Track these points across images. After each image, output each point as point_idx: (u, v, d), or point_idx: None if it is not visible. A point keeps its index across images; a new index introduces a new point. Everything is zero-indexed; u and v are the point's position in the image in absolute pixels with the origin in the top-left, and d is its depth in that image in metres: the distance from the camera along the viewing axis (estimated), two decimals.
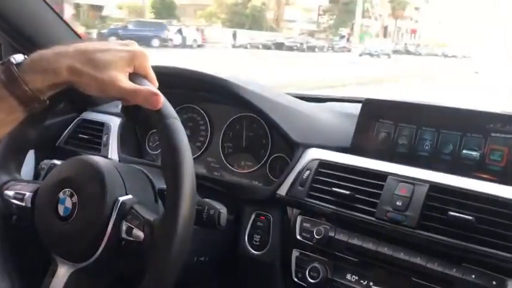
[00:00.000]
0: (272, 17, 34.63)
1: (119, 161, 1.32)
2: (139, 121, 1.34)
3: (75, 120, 1.46)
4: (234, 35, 24.24)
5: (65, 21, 1.38)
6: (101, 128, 1.40)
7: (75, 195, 0.83)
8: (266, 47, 23.44)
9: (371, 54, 24.00)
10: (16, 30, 1.24)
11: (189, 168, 0.72)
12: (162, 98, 0.72)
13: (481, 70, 17.28)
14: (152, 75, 0.76)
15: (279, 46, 23.73)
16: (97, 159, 0.88)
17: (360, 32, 34.92)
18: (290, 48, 23.80)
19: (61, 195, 0.84)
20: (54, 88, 0.72)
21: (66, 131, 1.46)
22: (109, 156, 1.34)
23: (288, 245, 1.07)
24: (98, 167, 0.85)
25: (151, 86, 0.74)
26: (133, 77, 0.73)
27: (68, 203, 0.83)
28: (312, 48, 25.06)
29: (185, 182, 0.71)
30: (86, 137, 1.42)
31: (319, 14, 37.43)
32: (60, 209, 0.84)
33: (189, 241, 0.72)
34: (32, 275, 0.91)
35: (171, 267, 0.70)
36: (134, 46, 0.75)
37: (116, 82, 0.70)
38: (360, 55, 23.93)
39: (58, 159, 1.04)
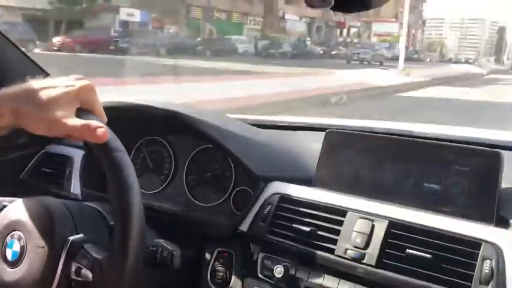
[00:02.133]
0: None
1: (81, 195, 1.29)
2: None
3: (38, 154, 1.43)
4: None
5: (28, 57, 1.36)
6: (64, 161, 1.37)
7: (23, 238, 0.80)
8: None
9: None
10: None
11: (136, 202, 0.70)
12: (109, 132, 0.70)
13: None
14: (99, 108, 0.75)
15: None
16: (46, 199, 0.86)
17: None
18: None
19: (9, 238, 0.82)
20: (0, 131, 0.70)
21: (30, 164, 1.43)
22: (71, 191, 1.32)
23: (250, 283, 1.04)
24: (47, 208, 0.83)
25: (98, 120, 0.72)
26: (80, 112, 0.71)
27: (16, 247, 0.81)
28: None
29: (133, 218, 0.69)
30: (49, 170, 1.39)
31: None
32: (8, 254, 0.81)
33: (139, 276, 0.70)
34: None
35: None
36: (81, 81, 0.73)
37: (61, 120, 0.68)
38: None
39: (22, 192, 1.01)
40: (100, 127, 0.69)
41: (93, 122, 0.70)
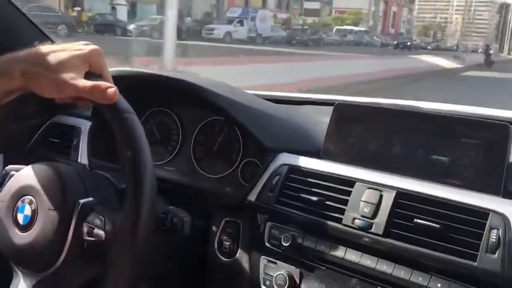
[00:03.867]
0: None
1: (89, 165, 1.30)
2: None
3: (46, 124, 1.43)
4: None
5: (35, 24, 1.35)
6: (71, 131, 1.37)
7: (35, 202, 0.81)
8: None
9: None
10: None
11: (147, 160, 0.71)
12: (118, 93, 0.71)
13: None
14: (107, 73, 0.75)
15: None
16: (57, 164, 0.87)
17: None
18: None
19: (20, 203, 0.83)
20: (10, 95, 0.71)
21: (37, 134, 1.43)
22: (79, 161, 1.32)
23: (257, 252, 1.05)
24: (57, 172, 0.84)
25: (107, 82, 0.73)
26: (89, 75, 0.72)
27: (28, 211, 0.82)
28: None
29: (144, 175, 0.69)
30: (56, 140, 1.39)
31: None
32: (20, 218, 0.82)
33: (151, 235, 0.71)
34: None
35: (133, 261, 0.69)
36: (90, 45, 0.74)
37: (70, 81, 0.68)
38: None
39: (28, 163, 1.02)
40: (110, 87, 0.70)
41: (103, 82, 0.70)
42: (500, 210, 0.83)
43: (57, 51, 0.70)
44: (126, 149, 0.70)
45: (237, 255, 1.09)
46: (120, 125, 0.71)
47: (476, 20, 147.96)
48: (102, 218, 0.77)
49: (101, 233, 0.76)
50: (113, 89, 0.70)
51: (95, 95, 0.69)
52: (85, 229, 0.78)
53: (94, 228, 0.77)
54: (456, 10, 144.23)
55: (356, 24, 58.21)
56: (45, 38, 1.35)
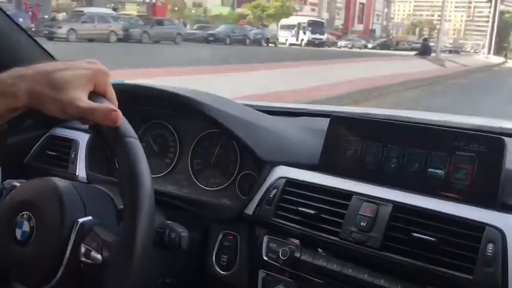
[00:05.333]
0: None
1: (87, 178, 1.30)
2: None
3: (44, 137, 1.44)
4: None
5: (35, 40, 1.36)
6: (69, 144, 1.38)
7: (33, 219, 0.81)
8: None
9: None
10: None
11: (147, 188, 0.70)
12: (121, 116, 0.71)
13: None
14: (112, 93, 0.75)
15: None
16: (56, 180, 0.87)
17: None
18: None
19: (18, 218, 0.83)
20: (14, 112, 0.70)
21: (34, 147, 1.44)
22: (76, 174, 1.32)
23: (255, 266, 1.05)
24: (57, 189, 0.83)
25: (110, 104, 0.73)
26: (93, 95, 0.72)
27: (26, 227, 0.82)
28: None
29: (143, 202, 0.69)
30: (54, 153, 1.40)
31: None
32: (18, 233, 0.82)
33: (147, 261, 0.71)
34: None
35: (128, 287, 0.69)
36: (96, 64, 0.74)
37: (75, 102, 0.68)
38: None
39: (26, 176, 1.02)
40: (114, 110, 0.70)
41: (108, 105, 0.71)
42: (496, 223, 0.84)
43: (62, 69, 0.70)
44: (126, 176, 0.70)
45: (235, 268, 1.09)
46: (121, 148, 0.71)
47: (477, 18, 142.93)
48: (100, 241, 0.76)
49: (98, 256, 0.75)
50: (116, 113, 0.70)
51: (98, 118, 0.70)
52: (82, 250, 0.77)
53: (91, 251, 0.76)
54: (455, 7, 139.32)
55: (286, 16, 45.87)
56: (45, 55, 1.35)
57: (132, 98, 1.15)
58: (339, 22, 66.30)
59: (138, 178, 0.70)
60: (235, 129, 1.12)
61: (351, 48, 41.84)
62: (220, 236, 1.12)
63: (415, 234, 0.87)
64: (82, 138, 1.36)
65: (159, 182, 1.25)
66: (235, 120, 1.14)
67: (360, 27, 71.14)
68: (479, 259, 0.81)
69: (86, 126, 1.37)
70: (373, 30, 73.43)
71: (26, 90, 0.67)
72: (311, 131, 1.23)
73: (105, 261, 0.74)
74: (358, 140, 1.07)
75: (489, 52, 42.60)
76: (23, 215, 0.82)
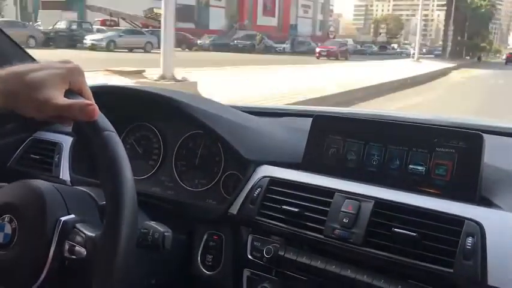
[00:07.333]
0: None
1: (71, 181, 1.29)
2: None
3: (27, 140, 1.43)
4: None
5: (15, 43, 1.36)
6: (52, 147, 1.37)
7: (15, 221, 0.81)
8: None
9: None
10: None
11: (128, 179, 0.71)
12: (98, 111, 0.71)
13: None
14: (87, 90, 0.76)
15: None
16: (37, 182, 0.87)
17: None
18: None
19: (0, 222, 0.82)
20: None
21: (18, 151, 1.43)
22: (60, 177, 1.32)
23: (240, 265, 1.06)
24: (38, 190, 0.84)
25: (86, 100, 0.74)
26: (68, 93, 0.72)
27: (8, 229, 0.81)
28: None
29: (125, 195, 0.70)
30: (38, 157, 1.39)
31: None
32: (0, 237, 0.82)
33: (132, 253, 0.71)
34: None
35: (113, 280, 0.69)
36: (70, 63, 0.74)
37: (51, 100, 0.69)
38: None
39: (10, 180, 1.02)
40: (90, 104, 0.71)
41: (83, 100, 0.71)
42: (475, 217, 0.85)
43: (36, 70, 0.71)
44: (106, 167, 0.71)
45: (220, 268, 1.10)
46: (100, 142, 0.72)
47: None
48: (84, 236, 0.77)
49: (82, 250, 0.76)
50: (92, 106, 0.71)
51: (75, 113, 0.70)
52: (66, 247, 0.77)
53: (75, 246, 0.76)
54: (438, 6, 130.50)
55: None
56: (25, 56, 1.35)
57: (115, 99, 1.15)
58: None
59: (118, 169, 0.71)
60: (219, 130, 1.13)
61: (243, 47, 33.40)
62: (205, 236, 1.13)
63: (396, 229, 0.88)
64: (65, 141, 1.36)
65: (143, 184, 1.25)
66: (219, 120, 1.15)
67: (271, 21, 50.42)
68: (459, 252, 0.82)
69: (70, 129, 1.37)
70: (294, 26, 54.10)
71: (0, 91, 0.68)
72: (294, 130, 1.24)
73: (90, 255, 0.75)
74: (340, 139, 1.08)
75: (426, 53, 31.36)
76: (4, 217, 0.82)
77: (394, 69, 18.97)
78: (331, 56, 29.31)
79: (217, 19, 43.89)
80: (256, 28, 42.26)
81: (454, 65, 29.17)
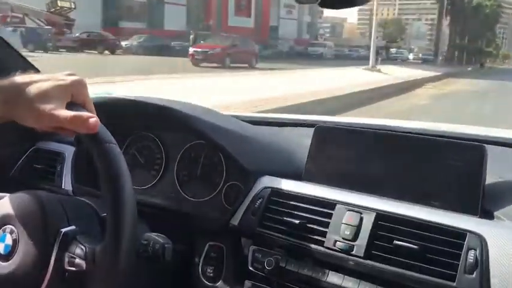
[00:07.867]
0: None
1: (73, 191, 1.30)
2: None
3: (29, 150, 1.43)
4: None
5: (18, 53, 1.37)
6: (55, 157, 1.38)
7: (16, 231, 0.81)
8: None
9: None
10: None
11: (128, 192, 0.72)
12: (99, 123, 0.72)
13: None
14: (89, 103, 0.76)
15: None
16: (38, 193, 0.87)
17: None
18: None
19: (0, 233, 0.83)
20: None
21: (20, 161, 1.43)
22: (63, 187, 1.32)
23: (241, 276, 1.06)
24: (38, 200, 0.84)
25: (88, 112, 0.74)
26: (71, 105, 0.72)
27: (9, 240, 0.81)
28: None
29: (125, 206, 0.71)
30: (40, 167, 1.39)
31: None
32: (0, 248, 0.82)
33: (131, 265, 0.72)
34: None
35: None
36: (73, 75, 0.75)
37: (51, 112, 0.69)
38: None
39: (12, 190, 1.02)
40: (91, 117, 0.71)
41: (84, 113, 0.72)
42: (477, 230, 0.84)
43: (39, 81, 0.71)
44: (107, 180, 0.71)
45: (221, 279, 1.09)
46: (101, 154, 0.72)
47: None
48: (84, 248, 0.77)
49: (82, 263, 0.76)
50: (94, 119, 0.71)
51: (76, 126, 0.71)
52: (66, 259, 0.77)
53: (75, 258, 0.76)
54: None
55: None
56: (28, 67, 1.35)
57: (117, 110, 1.15)
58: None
59: (118, 182, 0.71)
60: (221, 140, 1.13)
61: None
62: (207, 248, 1.13)
63: (398, 242, 0.88)
64: (68, 151, 1.36)
65: (145, 194, 1.25)
66: (221, 131, 1.15)
67: (245, 22, 43.13)
68: (461, 266, 0.82)
69: (71, 139, 1.37)
70: (275, 28, 48.04)
71: (2, 100, 0.68)
72: (296, 141, 1.24)
73: (90, 267, 0.75)
74: (342, 150, 1.08)
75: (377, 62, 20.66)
76: (5, 228, 0.82)
77: (318, 83, 12.74)
78: (213, 60, 20.19)
79: (175, 19, 36.51)
80: (228, 30, 34.58)
81: (437, 74, 23.18)
